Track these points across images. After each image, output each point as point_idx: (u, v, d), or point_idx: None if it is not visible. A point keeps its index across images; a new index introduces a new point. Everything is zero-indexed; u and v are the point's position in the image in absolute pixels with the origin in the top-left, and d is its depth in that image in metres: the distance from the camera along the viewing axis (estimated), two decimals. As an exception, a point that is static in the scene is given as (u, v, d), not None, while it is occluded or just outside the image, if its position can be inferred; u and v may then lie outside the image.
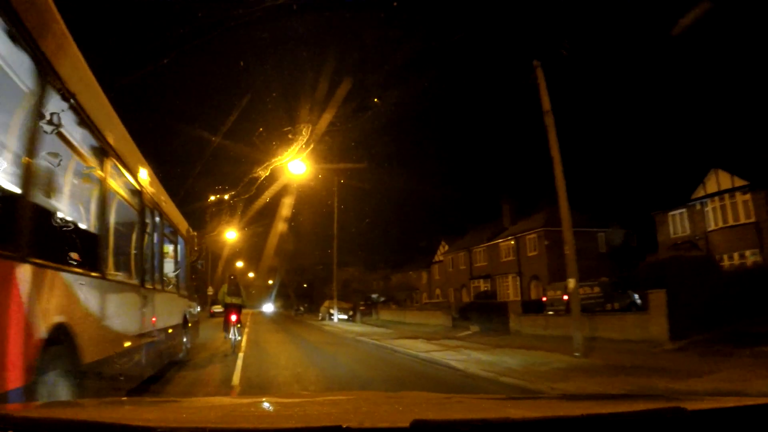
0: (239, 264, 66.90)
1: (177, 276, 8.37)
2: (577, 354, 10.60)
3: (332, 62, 22.33)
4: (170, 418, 1.88)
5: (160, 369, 6.52)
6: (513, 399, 3.36)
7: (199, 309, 11.64)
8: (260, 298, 69.78)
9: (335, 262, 28.65)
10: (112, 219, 4.92)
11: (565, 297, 23.44)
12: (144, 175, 5.88)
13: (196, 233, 11.46)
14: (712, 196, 23.85)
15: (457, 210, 78.16)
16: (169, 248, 8.34)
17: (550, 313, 22.77)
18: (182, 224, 9.52)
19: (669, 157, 43.39)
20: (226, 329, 11.50)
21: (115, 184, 4.71)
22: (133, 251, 5.49)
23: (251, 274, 76.19)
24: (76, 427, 1.46)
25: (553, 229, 33.28)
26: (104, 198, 4.35)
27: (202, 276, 37.82)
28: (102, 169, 4.28)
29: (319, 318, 31.67)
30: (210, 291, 37.00)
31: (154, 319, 6.02)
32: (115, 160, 4.59)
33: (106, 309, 4.14)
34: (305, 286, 64.06)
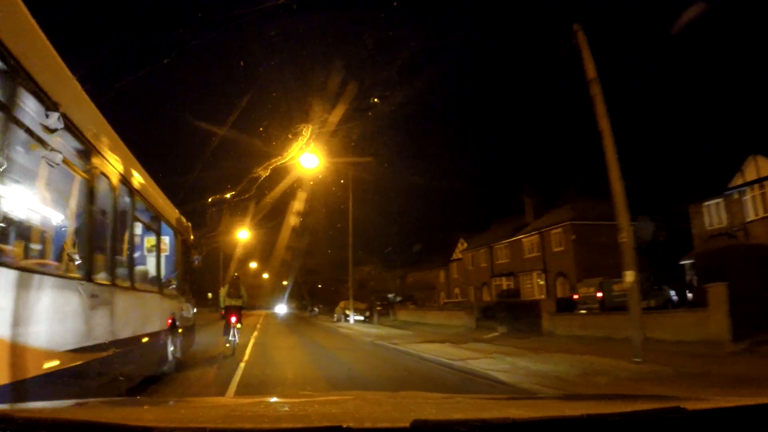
0: (253, 265, 66.22)
1: (159, 271, 6.89)
2: (637, 359, 8.95)
3: (345, 52, 21.26)
4: (170, 418, 1.91)
5: (127, 388, 4.98)
6: (513, 399, 3.29)
7: (195, 311, 10.14)
8: (274, 299, 68.59)
9: (351, 260, 27.15)
10: (39, 183, 3.47)
11: (599, 294, 21.75)
12: (98, 131, 4.40)
13: (190, 224, 9.99)
14: (751, 184, 21.94)
15: (476, 206, 75.89)
16: (150, 239, 6.91)
17: (583, 311, 21.06)
18: (170, 212, 8.09)
19: (700, 145, 41.10)
20: (226, 332, 11.11)
21: (39, 129, 3.22)
22: (74, 232, 4.00)
23: (265, 275, 75.66)
24: (76, 427, 1.49)
25: (580, 222, 31.79)
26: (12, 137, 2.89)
27: (214, 276, 37.24)
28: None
29: (335, 319, 30.16)
30: (222, 292, 35.59)
31: (115, 324, 4.53)
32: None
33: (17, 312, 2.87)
34: (319, 286, 62.99)
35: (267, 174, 18.41)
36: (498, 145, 69.95)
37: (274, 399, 3.32)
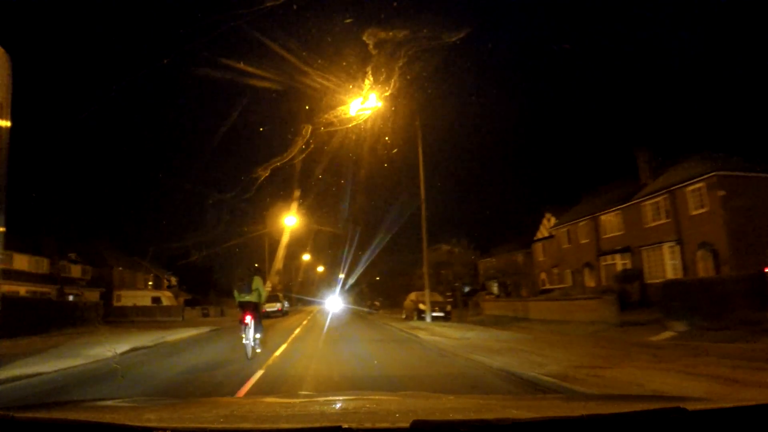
0: (306, 257, 61.24)
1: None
2: None
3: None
4: (170, 418, 1.92)
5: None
6: (514, 399, 3.27)
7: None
8: (328, 294, 63.30)
9: (425, 236, 19.77)
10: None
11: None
12: None
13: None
14: None
15: (563, 177, 65.71)
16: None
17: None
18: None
19: None
20: (243, 331, 9.39)
21: None
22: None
23: (320, 268, 70.97)
24: (77, 427, 1.54)
25: (730, 174, 23.33)
26: None
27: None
28: None
29: (403, 317, 23.02)
30: (268, 286, 31.56)
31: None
32: None
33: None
34: (377, 278, 56.78)
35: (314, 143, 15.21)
36: (588, 101, 59.81)
37: (274, 399, 3.43)
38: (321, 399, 2.94)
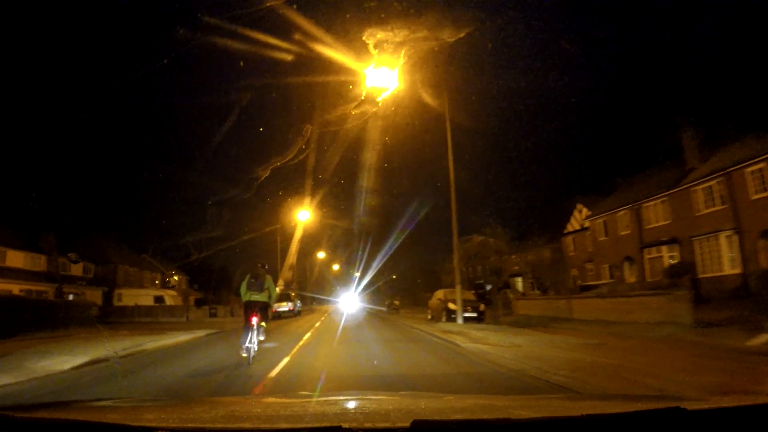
0: (321, 255, 59.33)
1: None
2: None
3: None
4: (170, 418, 1.88)
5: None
6: (514, 399, 3.04)
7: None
8: (344, 292, 61.47)
9: (455, 225, 17.09)
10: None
11: None
12: None
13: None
14: None
15: (593, 165, 61.59)
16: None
17: None
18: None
19: None
20: (245, 335, 8.31)
21: None
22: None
23: (336, 266, 68.99)
24: (77, 427, 1.52)
25: (801, 150, 20.45)
26: None
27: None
28: None
29: (429, 317, 20.45)
30: (280, 284, 29.56)
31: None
32: None
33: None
34: (393, 276, 54.62)
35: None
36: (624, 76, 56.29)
37: (274, 399, 3.34)
38: (321, 399, 2.86)
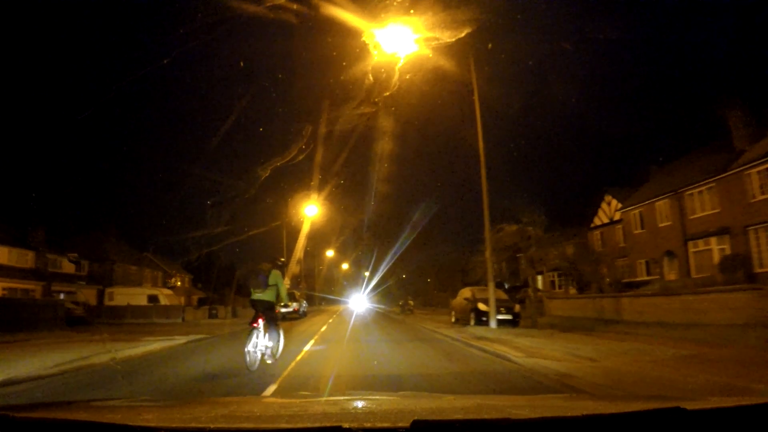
0: (329, 253, 57.27)
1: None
2: None
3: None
4: (170, 418, 1.89)
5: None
6: (514, 399, 3.15)
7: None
8: (353, 293, 59.72)
9: (486, 209, 14.39)
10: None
11: None
12: None
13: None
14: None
15: (622, 153, 57.98)
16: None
17: None
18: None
19: None
20: (247, 339, 7.53)
21: None
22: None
23: (345, 266, 66.89)
24: (77, 427, 1.51)
25: None
26: None
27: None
28: None
29: (452, 320, 17.81)
30: (286, 282, 26.89)
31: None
32: None
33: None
34: (404, 276, 52.29)
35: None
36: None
37: (274, 399, 3.38)
38: (321, 399, 2.94)
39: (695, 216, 24.24)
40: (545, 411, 1.95)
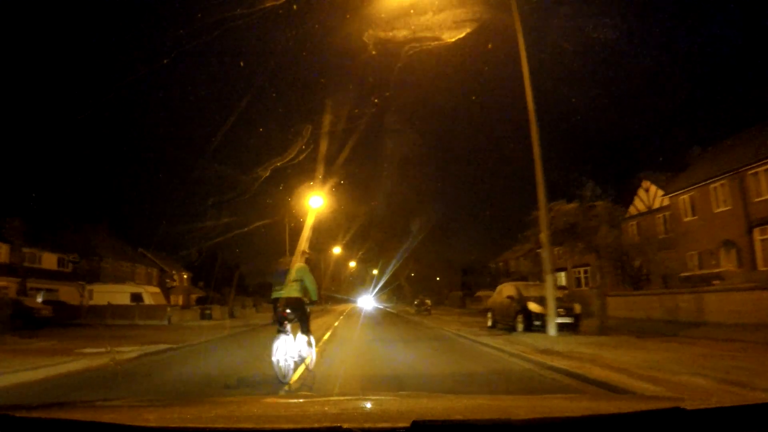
0: (336, 250, 54.29)
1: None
2: None
3: None
4: (170, 418, 1.86)
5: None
6: (514, 399, 3.08)
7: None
8: (362, 290, 57.21)
9: (540, 174, 10.95)
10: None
11: None
12: None
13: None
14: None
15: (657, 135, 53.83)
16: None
17: None
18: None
19: None
20: (274, 346, 6.53)
21: None
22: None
23: (352, 263, 64.09)
24: (77, 427, 1.47)
25: None
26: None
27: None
28: None
29: (489, 323, 14.53)
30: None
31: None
32: None
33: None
34: (412, 275, 49.35)
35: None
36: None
37: (274, 399, 3.35)
38: (321, 399, 2.91)
39: (761, 199, 20.78)
40: (545, 411, 1.91)
